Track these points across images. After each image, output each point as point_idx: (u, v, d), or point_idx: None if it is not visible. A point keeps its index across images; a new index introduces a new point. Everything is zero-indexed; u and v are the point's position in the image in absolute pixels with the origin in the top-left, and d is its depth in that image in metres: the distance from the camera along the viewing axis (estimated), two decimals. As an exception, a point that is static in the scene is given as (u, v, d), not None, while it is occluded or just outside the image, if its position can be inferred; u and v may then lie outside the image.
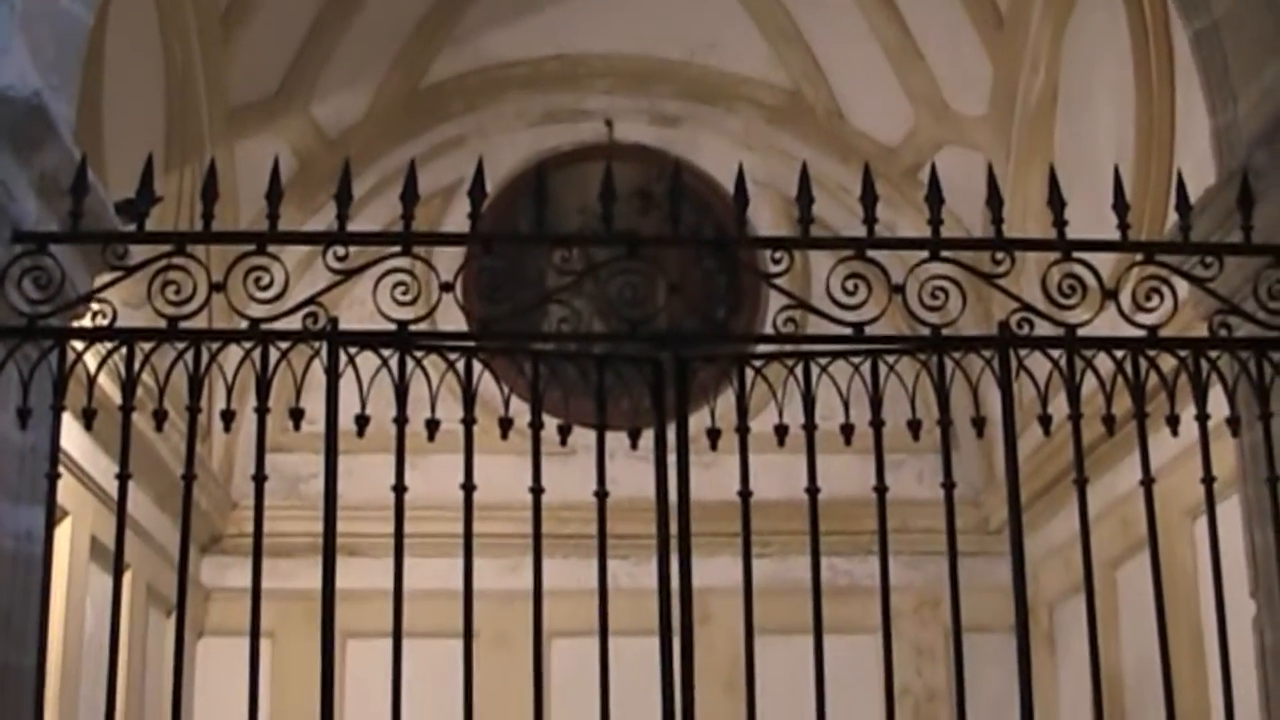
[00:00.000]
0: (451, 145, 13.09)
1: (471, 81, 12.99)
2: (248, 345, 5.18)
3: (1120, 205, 5.42)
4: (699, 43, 12.87)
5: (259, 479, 5.18)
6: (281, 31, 11.53)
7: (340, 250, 5.26)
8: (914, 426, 5.28)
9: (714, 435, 5.34)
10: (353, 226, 5.33)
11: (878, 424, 5.26)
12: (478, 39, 12.59)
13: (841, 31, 12.18)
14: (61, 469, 5.18)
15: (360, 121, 12.66)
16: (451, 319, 5.83)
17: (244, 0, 11.07)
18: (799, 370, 5.35)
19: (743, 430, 5.30)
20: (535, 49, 12.87)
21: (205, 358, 5.17)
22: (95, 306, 5.25)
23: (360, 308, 6.14)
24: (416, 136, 12.87)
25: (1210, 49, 6.44)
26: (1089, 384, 5.28)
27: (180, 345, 5.17)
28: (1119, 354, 5.32)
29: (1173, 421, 5.29)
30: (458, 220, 11.82)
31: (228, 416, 5.27)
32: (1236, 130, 6.27)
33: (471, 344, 5.39)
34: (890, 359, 5.35)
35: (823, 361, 5.37)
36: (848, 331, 5.30)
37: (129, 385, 5.12)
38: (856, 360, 5.34)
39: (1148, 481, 5.29)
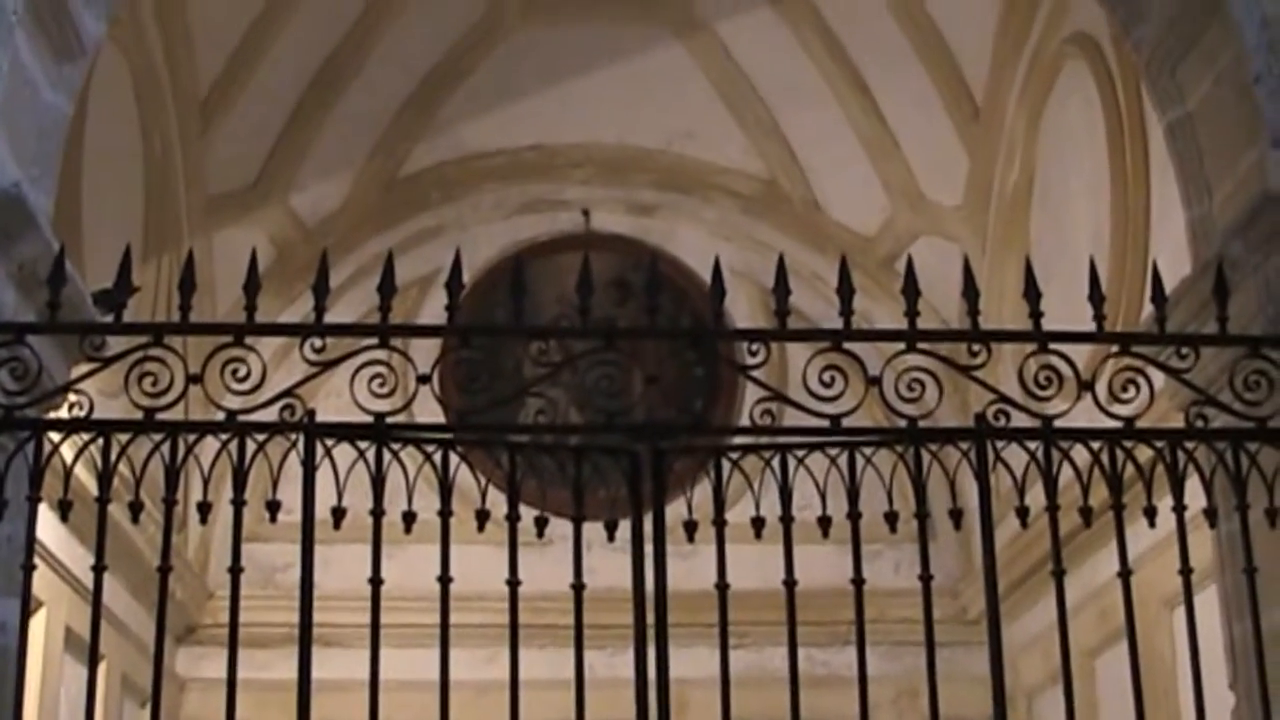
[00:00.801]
0: (429, 235, 13.12)
1: (449, 171, 13.03)
2: (224, 437, 5.17)
3: (1096, 296, 5.42)
4: (676, 132, 12.93)
5: (235, 570, 5.14)
6: (260, 121, 11.57)
7: (317, 342, 5.27)
8: (891, 518, 5.27)
9: (691, 527, 5.33)
10: (330, 316, 5.33)
11: (855, 515, 5.25)
12: (456, 129, 12.64)
13: (818, 122, 12.24)
14: (37, 560, 5.13)
15: (338, 211, 12.69)
16: (428, 410, 5.81)
17: (223, 90, 11.12)
18: (776, 462, 5.35)
19: (719, 522, 5.28)
20: (513, 139, 12.93)
21: (182, 449, 5.15)
22: (72, 397, 5.23)
23: (337, 399, 6.09)
24: (394, 226, 12.91)
25: (1185, 140, 6.47)
26: (1066, 475, 5.26)
27: (157, 436, 5.16)
28: (1095, 445, 5.31)
29: (1150, 513, 5.28)
30: (435, 310, 11.83)
31: (204, 508, 5.26)
32: (1211, 221, 6.28)
33: (448, 436, 5.37)
34: (867, 451, 5.34)
35: (799, 453, 5.36)
36: (825, 423, 5.29)
37: (105, 476, 5.09)
38: (833, 452, 5.33)
39: (1125, 573, 5.27)
